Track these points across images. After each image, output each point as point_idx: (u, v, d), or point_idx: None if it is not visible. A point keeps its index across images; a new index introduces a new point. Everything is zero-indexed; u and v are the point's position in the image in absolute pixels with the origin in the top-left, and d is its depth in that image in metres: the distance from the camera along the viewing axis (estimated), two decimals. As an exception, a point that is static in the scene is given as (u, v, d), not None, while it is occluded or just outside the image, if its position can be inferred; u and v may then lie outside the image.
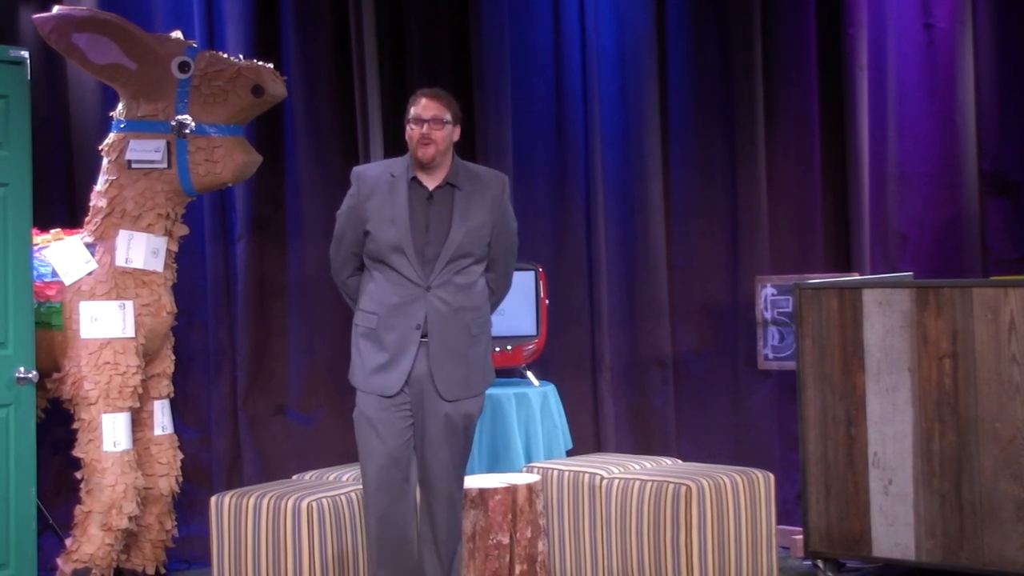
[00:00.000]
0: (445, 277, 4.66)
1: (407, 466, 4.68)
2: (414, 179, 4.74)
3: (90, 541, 5.54)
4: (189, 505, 6.43)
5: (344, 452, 6.36)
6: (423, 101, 4.73)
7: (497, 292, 4.90)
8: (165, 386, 5.93)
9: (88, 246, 5.73)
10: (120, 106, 5.77)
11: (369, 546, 4.72)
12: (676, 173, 6.99)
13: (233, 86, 5.64)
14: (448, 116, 4.72)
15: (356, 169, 4.87)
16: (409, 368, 4.64)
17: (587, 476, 5.61)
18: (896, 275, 6.48)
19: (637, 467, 5.70)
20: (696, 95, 6.97)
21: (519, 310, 6.34)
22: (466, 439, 4.77)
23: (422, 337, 4.65)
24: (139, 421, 5.81)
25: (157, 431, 5.88)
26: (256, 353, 6.72)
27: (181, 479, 5.97)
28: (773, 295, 6.45)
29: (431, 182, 4.74)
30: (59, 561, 5.63)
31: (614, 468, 5.66)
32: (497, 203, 4.79)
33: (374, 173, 4.81)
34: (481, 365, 4.77)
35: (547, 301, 6.41)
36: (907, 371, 5.48)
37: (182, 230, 5.86)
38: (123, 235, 5.69)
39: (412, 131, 4.71)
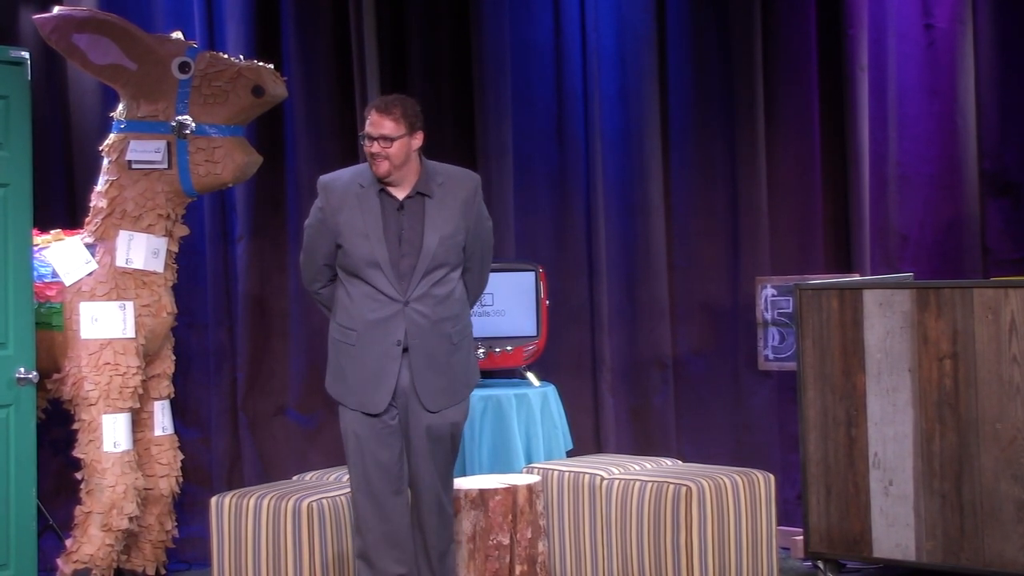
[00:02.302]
0: (423, 290, 4.58)
1: (398, 480, 4.64)
2: (383, 190, 4.64)
3: (90, 542, 5.53)
4: (189, 506, 6.43)
5: (344, 453, 6.34)
6: (373, 116, 4.62)
7: (473, 292, 4.83)
8: (165, 387, 5.93)
9: (88, 247, 5.73)
10: (120, 106, 5.76)
11: (364, 555, 4.68)
12: (676, 173, 6.98)
13: (233, 87, 5.64)
14: (400, 131, 4.59)
15: (323, 179, 4.75)
16: (393, 384, 4.59)
17: (587, 477, 5.61)
18: (896, 276, 6.48)
19: (637, 468, 5.70)
20: (696, 95, 6.97)
21: (519, 310, 6.34)
22: (452, 446, 4.73)
23: (404, 352, 4.58)
24: (139, 422, 5.81)
25: (157, 432, 5.88)
26: (256, 354, 6.72)
27: (181, 480, 5.96)
28: (773, 296, 6.44)
29: (400, 192, 4.65)
30: (59, 562, 5.62)
31: (614, 469, 5.66)
32: (470, 205, 4.70)
33: (342, 183, 4.69)
34: (463, 371, 4.71)
35: (547, 301, 6.40)
36: (907, 372, 5.48)
37: (182, 231, 5.86)
38: (123, 236, 5.69)
39: (365, 147, 4.63)
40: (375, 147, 4.59)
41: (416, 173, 4.67)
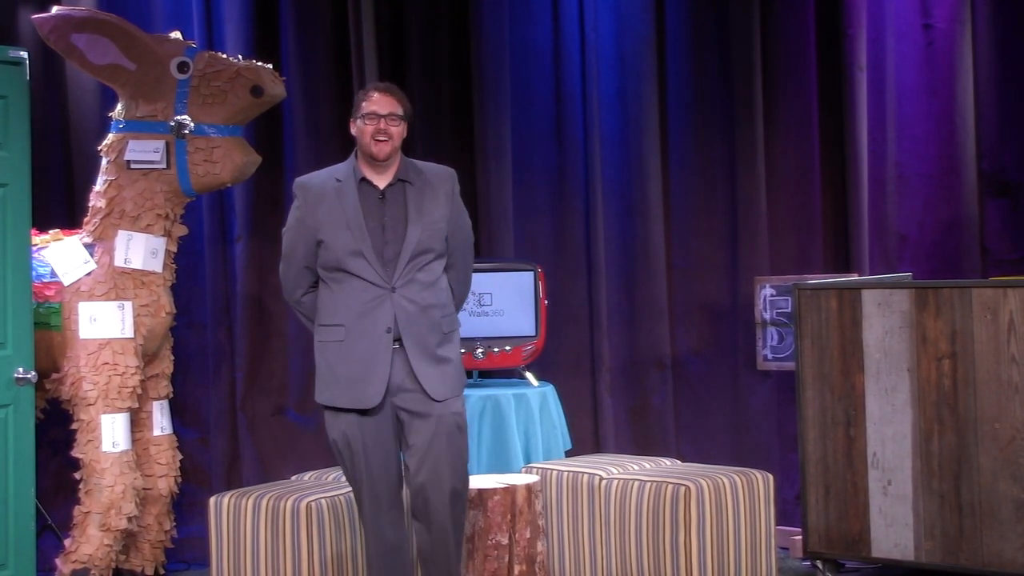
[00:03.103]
0: (409, 276, 4.53)
1: (400, 484, 4.59)
2: (363, 180, 4.62)
3: (89, 542, 5.54)
4: (188, 506, 6.43)
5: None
6: (376, 96, 4.62)
7: (458, 292, 4.77)
8: (164, 387, 5.93)
9: (87, 246, 5.73)
10: (119, 106, 5.77)
11: (369, 569, 4.65)
12: (675, 173, 6.99)
13: (232, 86, 5.64)
14: (402, 111, 4.62)
15: (299, 180, 4.72)
16: (387, 376, 4.51)
17: (586, 477, 5.61)
18: (895, 276, 6.48)
19: (636, 467, 5.70)
20: (695, 96, 6.97)
21: (518, 310, 6.34)
22: (463, 443, 4.61)
23: (394, 343, 4.51)
24: (138, 422, 5.81)
25: (156, 432, 5.88)
26: (255, 354, 6.72)
27: (180, 480, 5.97)
28: (772, 295, 6.45)
29: (382, 181, 4.62)
30: (58, 562, 5.62)
31: (613, 469, 5.66)
32: (449, 198, 4.67)
33: (318, 181, 4.67)
34: (456, 364, 4.65)
35: (546, 301, 6.40)
36: (906, 372, 5.48)
37: (181, 230, 5.86)
38: (122, 235, 5.69)
39: (365, 127, 4.57)
40: (382, 124, 4.57)
41: (397, 163, 4.65)
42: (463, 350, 5.01)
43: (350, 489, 5.35)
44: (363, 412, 4.55)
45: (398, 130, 4.60)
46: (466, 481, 4.67)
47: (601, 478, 5.58)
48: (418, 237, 4.55)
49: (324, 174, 4.72)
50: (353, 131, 4.66)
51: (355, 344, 4.53)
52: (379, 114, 4.58)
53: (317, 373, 4.65)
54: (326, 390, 4.61)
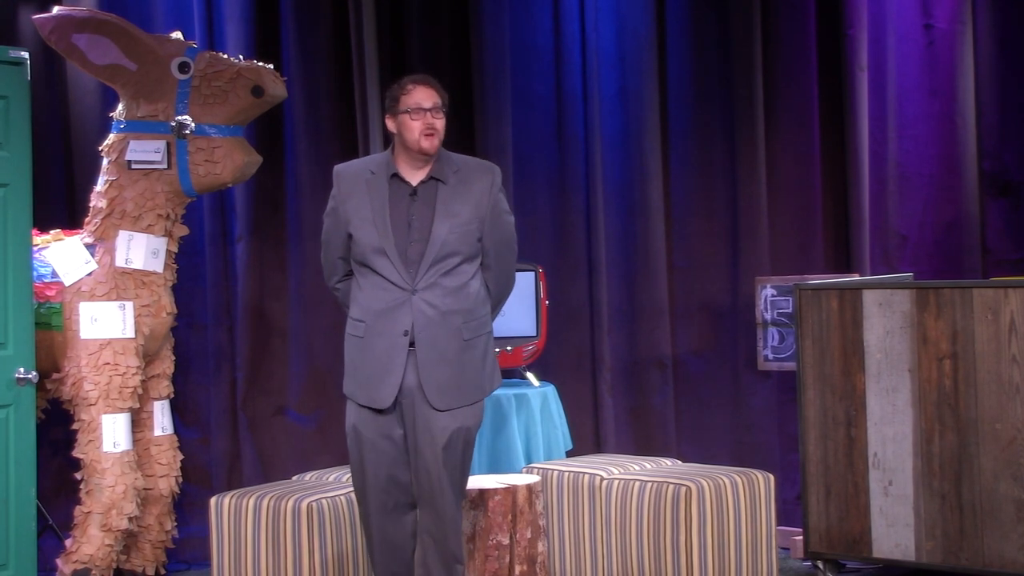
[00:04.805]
0: (432, 279, 4.42)
1: (407, 484, 4.52)
2: (395, 175, 4.51)
3: (90, 542, 5.54)
4: (189, 506, 6.43)
5: (344, 453, 6.34)
6: (417, 89, 4.51)
7: (495, 293, 4.62)
8: (165, 387, 5.93)
9: (88, 247, 5.73)
10: (120, 107, 5.77)
11: (374, 567, 4.62)
12: (676, 173, 6.98)
13: (233, 87, 5.64)
14: (442, 103, 4.52)
15: (337, 168, 4.64)
16: (400, 379, 4.42)
17: (587, 477, 5.61)
18: (896, 276, 6.48)
19: (637, 468, 5.70)
20: (696, 95, 6.97)
21: (519, 311, 6.34)
22: (464, 455, 4.52)
23: (410, 345, 4.42)
24: (139, 422, 5.81)
25: (157, 432, 5.88)
26: (256, 354, 6.72)
27: (181, 480, 5.97)
28: (773, 296, 6.45)
29: (415, 177, 4.51)
30: (59, 562, 5.63)
31: (614, 469, 5.66)
32: (485, 196, 4.51)
33: (353, 171, 4.58)
34: (477, 371, 4.51)
35: (547, 302, 6.40)
36: (907, 372, 5.48)
37: (182, 231, 5.86)
38: (123, 236, 5.69)
39: (412, 123, 4.45)
40: (429, 118, 4.47)
41: (435, 158, 4.54)
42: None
43: (350, 489, 5.37)
44: (377, 410, 4.50)
45: (442, 123, 4.50)
46: (462, 491, 4.58)
47: (602, 478, 5.58)
48: (443, 238, 4.43)
49: (360, 164, 4.65)
50: (391, 127, 4.55)
51: (373, 343, 4.46)
52: (424, 107, 4.47)
53: (345, 363, 4.60)
54: (349, 383, 4.56)
